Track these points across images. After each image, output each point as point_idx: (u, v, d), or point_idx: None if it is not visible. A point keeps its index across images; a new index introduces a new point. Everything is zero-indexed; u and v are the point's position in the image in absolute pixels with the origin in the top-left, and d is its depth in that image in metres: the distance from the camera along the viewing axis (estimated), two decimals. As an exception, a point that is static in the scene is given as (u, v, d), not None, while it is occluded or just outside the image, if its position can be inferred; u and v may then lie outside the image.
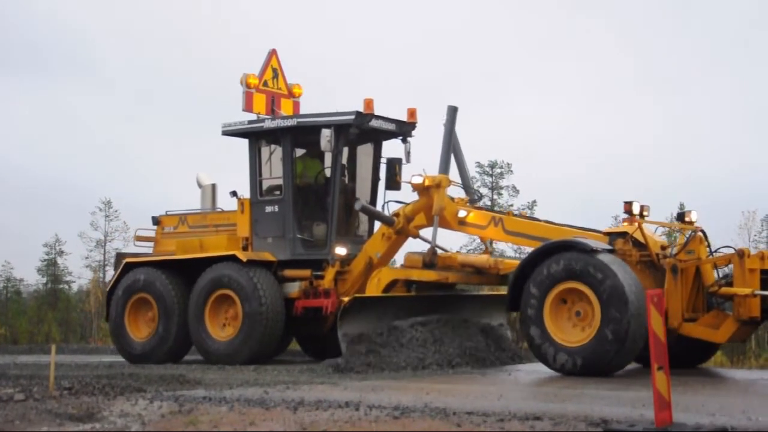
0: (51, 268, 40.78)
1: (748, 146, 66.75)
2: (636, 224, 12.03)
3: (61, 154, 77.24)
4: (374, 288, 13.50)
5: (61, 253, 41.20)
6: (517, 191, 39.84)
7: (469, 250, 31.20)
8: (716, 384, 10.33)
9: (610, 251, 11.68)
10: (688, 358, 12.90)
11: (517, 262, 13.40)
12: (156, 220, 16.25)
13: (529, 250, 12.89)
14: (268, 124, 14.82)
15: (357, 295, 13.03)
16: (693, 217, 12.48)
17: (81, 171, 70.91)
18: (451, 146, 13.99)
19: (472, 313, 14.46)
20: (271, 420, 7.08)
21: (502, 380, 11.03)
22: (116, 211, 40.91)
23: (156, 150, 76.26)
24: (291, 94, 15.95)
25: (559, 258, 11.59)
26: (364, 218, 15.32)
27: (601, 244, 11.78)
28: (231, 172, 26.50)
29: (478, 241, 19.38)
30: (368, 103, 14.23)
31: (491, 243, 15.74)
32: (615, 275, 11.09)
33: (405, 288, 13.90)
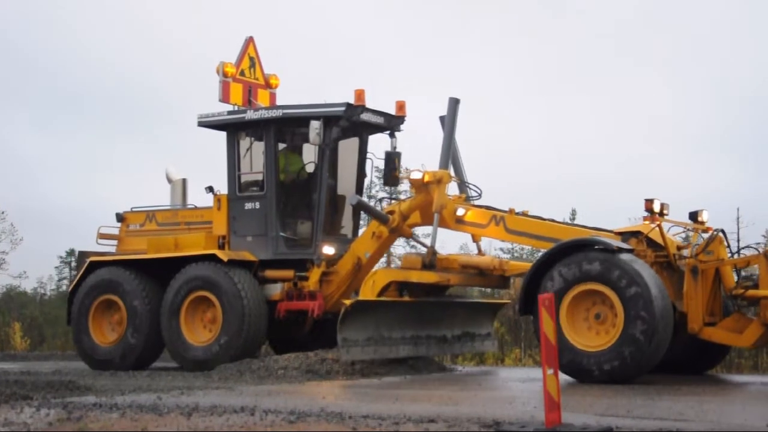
0: (-71, 273, 38.48)
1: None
2: (655, 223, 11.57)
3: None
4: (369, 291, 12.66)
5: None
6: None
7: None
8: (603, 385, 10.28)
9: (630, 251, 11.18)
10: (697, 364, 12.56)
11: (524, 264, 12.85)
12: (120, 217, 15.17)
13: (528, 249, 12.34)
14: (251, 115, 13.92)
15: (360, 298, 12.23)
16: (704, 216, 12.10)
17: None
18: (452, 141, 13.31)
19: (462, 321, 13.83)
20: (165, 426, 6.84)
21: (398, 384, 10.85)
22: (3, 212, 38.91)
23: (36, 146, 72.07)
24: (268, 85, 15.06)
25: (578, 258, 11.04)
26: (348, 216, 14.54)
27: (621, 243, 11.27)
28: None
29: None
30: (359, 94, 13.50)
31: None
32: (641, 277, 10.59)
33: (397, 292, 13.13)
